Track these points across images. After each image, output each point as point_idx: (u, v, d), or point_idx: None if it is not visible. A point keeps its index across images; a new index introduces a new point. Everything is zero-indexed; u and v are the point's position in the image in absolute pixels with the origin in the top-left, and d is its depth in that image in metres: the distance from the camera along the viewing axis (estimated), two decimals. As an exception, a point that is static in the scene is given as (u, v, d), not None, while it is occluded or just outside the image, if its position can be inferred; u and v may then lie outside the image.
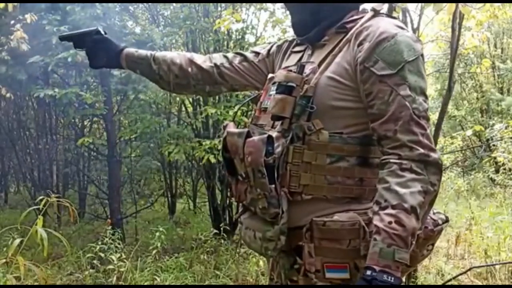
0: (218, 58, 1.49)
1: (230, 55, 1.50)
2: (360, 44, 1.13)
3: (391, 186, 1.05)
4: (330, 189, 1.15)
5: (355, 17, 1.22)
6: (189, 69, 1.47)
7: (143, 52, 1.51)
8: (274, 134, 1.15)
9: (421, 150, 1.06)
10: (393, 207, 1.03)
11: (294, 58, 1.32)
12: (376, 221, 1.05)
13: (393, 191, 1.05)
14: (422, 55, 1.14)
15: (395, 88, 1.09)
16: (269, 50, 1.45)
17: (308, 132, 1.14)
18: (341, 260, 1.12)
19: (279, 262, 1.26)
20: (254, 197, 1.17)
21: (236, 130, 1.22)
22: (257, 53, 1.47)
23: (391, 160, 1.08)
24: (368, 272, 1.02)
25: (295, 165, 1.14)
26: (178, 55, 1.50)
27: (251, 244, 1.25)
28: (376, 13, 1.20)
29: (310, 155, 1.14)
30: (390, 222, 1.03)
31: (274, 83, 1.22)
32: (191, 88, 1.52)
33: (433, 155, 1.07)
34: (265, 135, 1.13)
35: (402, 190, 1.04)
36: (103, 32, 1.50)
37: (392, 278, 1.01)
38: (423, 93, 1.11)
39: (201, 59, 1.49)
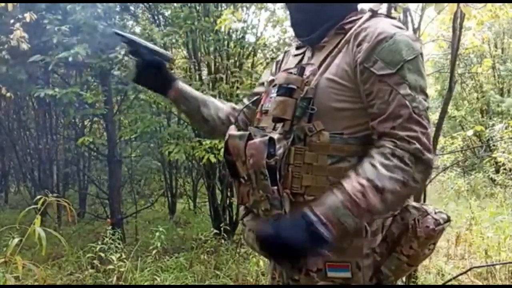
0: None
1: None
2: (359, 45, 1.13)
3: (375, 163, 1.06)
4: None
5: (354, 18, 1.22)
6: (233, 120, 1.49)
7: (195, 92, 1.50)
8: (275, 136, 1.15)
9: (418, 146, 1.06)
10: (368, 179, 1.04)
11: (294, 60, 1.32)
12: (345, 181, 1.06)
13: (375, 168, 1.05)
14: (421, 54, 1.14)
15: (395, 87, 1.09)
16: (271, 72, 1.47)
17: (309, 133, 1.14)
18: (343, 259, 1.12)
19: None
20: (256, 199, 1.17)
21: (238, 133, 1.22)
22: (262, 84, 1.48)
23: (387, 144, 1.08)
24: (312, 215, 1.04)
25: (296, 167, 1.14)
26: (225, 104, 1.54)
27: (253, 245, 1.25)
28: (374, 14, 1.20)
29: (311, 156, 1.14)
30: (356, 189, 1.04)
31: (274, 85, 1.22)
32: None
33: (428, 155, 1.07)
34: (267, 137, 1.13)
35: (383, 171, 1.05)
36: (168, 65, 1.46)
37: (328, 234, 1.02)
38: (423, 91, 1.11)
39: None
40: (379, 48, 1.11)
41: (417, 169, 1.06)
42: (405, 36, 1.12)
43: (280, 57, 1.45)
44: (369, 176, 1.05)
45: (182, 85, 1.47)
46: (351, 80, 1.14)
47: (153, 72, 1.42)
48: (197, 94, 1.49)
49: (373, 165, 1.06)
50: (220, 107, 1.50)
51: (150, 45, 1.44)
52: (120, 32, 1.43)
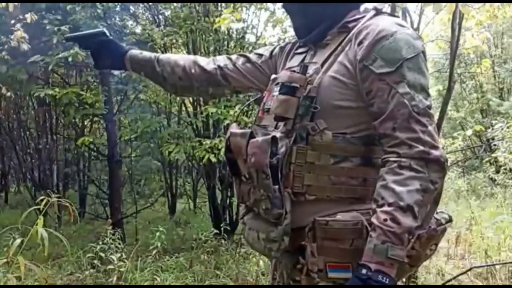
0: (221, 60, 1.49)
1: (233, 56, 1.50)
2: (360, 43, 1.13)
3: (388, 184, 1.05)
4: (334, 189, 1.14)
5: (357, 16, 1.22)
6: (193, 71, 1.47)
7: (147, 54, 1.52)
8: (277, 134, 1.14)
9: (421, 148, 1.05)
10: (389, 205, 1.03)
11: (297, 59, 1.32)
12: (373, 218, 1.05)
13: (390, 189, 1.04)
14: (423, 52, 1.13)
15: (394, 86, 1.08)
16: (272, 52, 1.46)
17: (312, 132, 1.14)
18: (344, 260, 1.11)
19: (282, 262, 1.25)
20: (257, 198, 1.17)
21: (239, 131, 1.22)
22: (260, 55, 1.47)
23: (391, 159, 1.07)
24: (364, 271, 1.02)
25: (298, 166, 1.14)
26: (182, 57, 1.51)
27: (254, 244, 1.25)
28: (378, 12, 1.20)
29: (313, 156, 1.14)
30: (385, 220, 1.03)
31: (277, 83, 1.22)
32: (194, 90, 1.53)
33: (435, 152, 1.06)
34: (269, 136, 1.13)
35: (398, 188, 1.03)
36: (108, 34, 1.51)
37: (387, 280, 1.01)
38: (424, 90, 1.10)
39: (204, 61, 1.49)
40: (379, 46, 1.10)
41: (430, 170, 1.05)
42: (406, 34, 1.11)
43: (287, 47, 1.42)
44: (389, 200, 1.04)
45: (132, 52, 1.51)
46: (353, 78, 1.13)
47: (104, 53, 1.50)
48: (150, 55, 1.51)
49: (387, 187, 1.05)
50: (176, 63, 1.49)
51: (83, 32, 1.55)
52: (68, 36, 1.58)
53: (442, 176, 1.08)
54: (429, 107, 1.10)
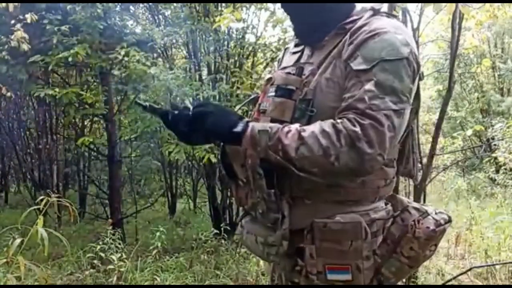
0: None
1: None
2: (351, 43, 1.12)
3: (318, 123, 1.06)
4: (332, 193, 1.13)
5: (355, 17, 1.19)
6: None
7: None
8: None
9: (359, 132, 1.01)
10: (300, 127, 1.07)
11: (292, 58, 1.29)
12: (286, 127, 1.08)
13: (315, 126, 1.06)
14: (407, 59, 1.08)
15: (364, 83, 1.06)
16: None
17: None
18: (343, 262, 1.10)
19: (280, 264, 1.24)
20: (254, 201, 1.16)
21: None
22: None
23: (337, 118, 1.06)
24: (241, 124, 1.10)
25: None
26: None
27: (252, 248, 1.24)
28: (375, 13, 1.18)
29: None
30: (288, 126, 1.07)
31: (272, 84, 1.20)
32: None
33: (365, 146, 1.01)
34: None
35: (316, 131, 1.04)
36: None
37: (237, 137, 1.09)
38: (395, 93, 1.06)
39: None
40: (364, 45, 1.09)
41: (348, 152, 1.02)
42: (394, 37, 1.09)
43: (280, 56, 1.42)
44: (304, 127, 1.06)
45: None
46: (345, 78, 1.12)
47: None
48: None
49: (315, 124, 1.06)
50: None
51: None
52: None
53: (352, 168, 1.03)
54: (396, 111, 1.05)
